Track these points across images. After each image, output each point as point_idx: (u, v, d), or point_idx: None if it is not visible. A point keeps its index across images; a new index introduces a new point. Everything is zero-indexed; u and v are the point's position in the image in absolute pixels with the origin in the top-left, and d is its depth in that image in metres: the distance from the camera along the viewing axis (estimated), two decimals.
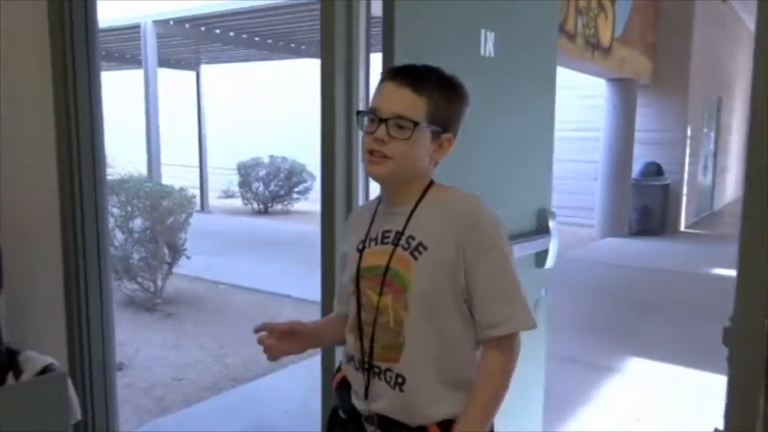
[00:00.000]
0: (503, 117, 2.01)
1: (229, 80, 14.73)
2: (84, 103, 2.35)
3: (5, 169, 2.17)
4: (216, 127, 13.79)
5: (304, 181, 12.61)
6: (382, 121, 1.25)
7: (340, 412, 1.43)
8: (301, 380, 3.82)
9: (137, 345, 4.68)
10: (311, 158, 13.54)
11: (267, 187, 12.54)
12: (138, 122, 8.63)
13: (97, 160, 2.44)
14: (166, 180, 7.69)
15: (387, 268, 1.28)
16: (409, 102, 1.26)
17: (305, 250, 8.52)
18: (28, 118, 2.29)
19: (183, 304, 5.87)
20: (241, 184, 12.70)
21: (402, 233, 1.30)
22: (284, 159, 12.59)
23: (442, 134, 1.30)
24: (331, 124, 1.54)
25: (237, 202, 13.44)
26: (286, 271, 7.14)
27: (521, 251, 1.97)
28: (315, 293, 6.26)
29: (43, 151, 2.32)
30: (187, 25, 8.40)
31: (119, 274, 5.49)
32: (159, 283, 5.70)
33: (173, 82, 12.70)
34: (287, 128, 13.66)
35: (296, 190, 12.67)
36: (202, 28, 8.57)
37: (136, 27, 7.69)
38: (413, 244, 1.28)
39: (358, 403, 1.36)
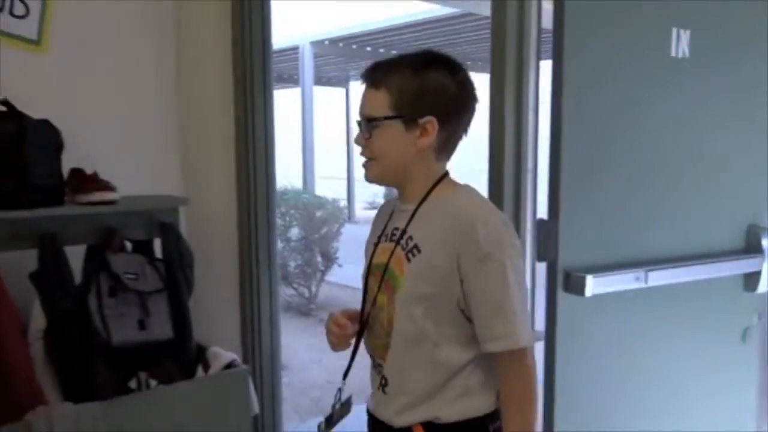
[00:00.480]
0: (700, 122, 1.82)
1: None
2: (259, 117, 2.53)
3: (192, 179, 2.40)
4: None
5: None
6: (359, 124, 1.27)
7: None
8: None
9: (295, 347, 4.94)
10: (457, 169, 13.60)
11: None
12: (290, 137, 9.17)
13: (270, 172, 2.62)
14: (317, 192, 8.09)
15: (386, 267, 1.25)
16: (370, 99, 1.24)
17: None
18: (213, 132, 2.52)
19: (335, 310, 6.12)
20: (386, 196, 13.02)
21: (404, 231, 1.25)
22: None
23: (419, 119, 1.21)
24: (500, 133, 1.55)
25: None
26: None
27: (723, 271, 1.80)
28: None
29: (222, 167, 2.53)
30: (341, 44, 8.82)
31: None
32: (313, 289, 6.00)
33: (323, 99, 13.37)
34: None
35: None
36: (354, 46, 8.95)
37: (295, 48, 8.22)
38: (410, 244, 1.23)
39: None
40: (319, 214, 6.00)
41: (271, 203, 2.64)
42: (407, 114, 1.21)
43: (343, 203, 6.69)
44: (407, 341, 1.23)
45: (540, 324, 1.62)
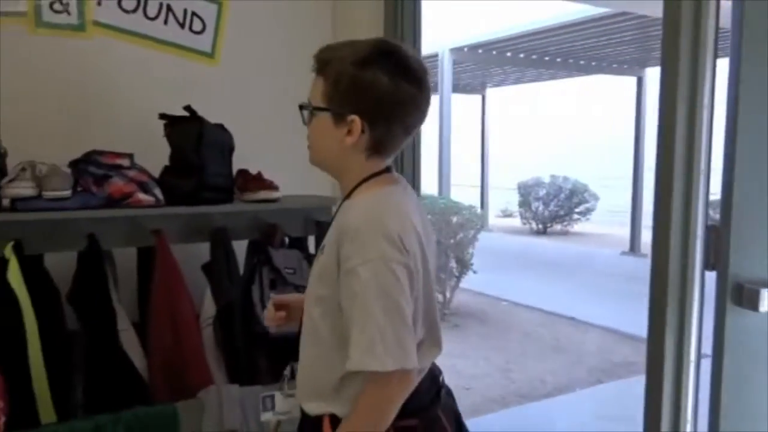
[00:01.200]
0: None
1: (512, 102, 14.99)
2: None
3: None
4: (497, 148, 14.12)
5: (586, 202, 12.19)
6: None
7: None
8: (590, 406, 3.69)
9: None
10: (594, 178, 13.13)
11: (546, 206, 12.41)
12: (426, 144, 9.26)
13: (416, 177, 2.67)
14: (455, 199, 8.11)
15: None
16: (313, 84, 1.20)
17: (587, 273, 8.27)
18: None
19: (468, 316, 6.11)
20: (521, 204, 12.77)
21: (328, 228, 1.22)
22: (566, 179, 12.34)
23: (347, 116, 1.15)
24: (670, 134, 1.47)
25: (515, 222, 13.55)
26: (569, 293, 6.97)
27: None
28: (601, 317, 6.01)
29: None
30: (480, 51, 8.78)
31: None
32: (447, 294, 6.02)
33: (459, 106, 13.40)
34: (569, 148, 13.37)
35: (577, 210, 12.30)
36: (494, 52, 8.87)
37: (434, 56, 8.30)
38: (323, 243, 1.20)
39: None
40: (455, 219, 6.01)
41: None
42: (336, 107, 1.16)
43: (479, 210, 6.62)
44: (306, 338, 1.24)
45: (707, 341, 1.51)
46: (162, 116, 1.95)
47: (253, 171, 2.16)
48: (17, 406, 1.69)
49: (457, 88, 12.01)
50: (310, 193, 2.29)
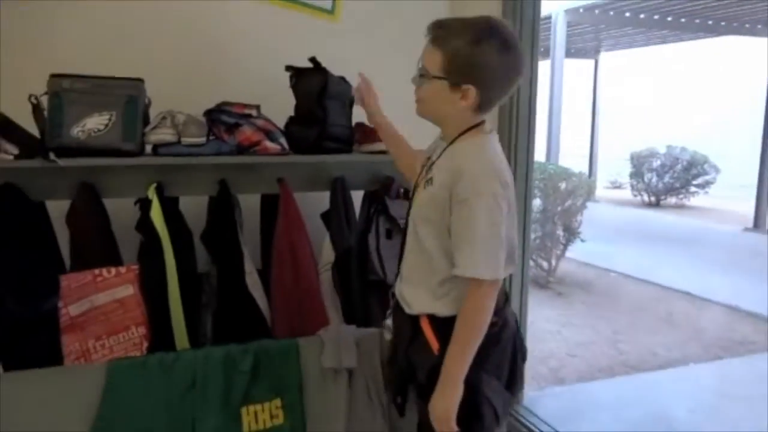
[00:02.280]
0: None
1: (628, 67, 14.21)
2: (524, 88, 2.54)
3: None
4: (609, 116, 13.49)
5: (705, 174, 11.42)
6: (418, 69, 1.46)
7: None
8: (709, 383, 3.54)
9: (532, 318, 4.93)
10: (716, 149, 12.28)
11: (661, 178, 11.75)
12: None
13: (530, 142, 2.63)
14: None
15: (415, 187, 1.54)
16: (428, 54, 1.42)
17: (705, 247, 7.81)
18: None
19: (573, 285, 5.96)
20: (633, 175, 12.17)
21: (432, 164, 1.48)
22: (683, 149, 11.60)
23: (462, 84, 1.38)
24: None
25: (624, 193, 12.95)
26: (684, 268, 6.62)
27: None
28: (720, 294, 5.68)
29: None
30: (597, 11, 8.36)
31: None
32: (552, 262, 5.90)
33: (570, 72, 12.87)
34: (691, 116, 12.54)
35: (695, 183, 11.56)
36: (611, 13, 8.42)
37: (546, 18, 8.00)
38: (429, 175, 1.47)
39: None
40: (563, 186, 5.83)
41: (530, 172, 2.64)
42: (453, 79, 1.39)
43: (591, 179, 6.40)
44: (412, 248, 1.52)
45: None
46: (288, 68, 2.03)
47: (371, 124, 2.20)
48: (157, 334, 1.87)
49: (568, 53, 11.55)
50: (420, 147, 2.31)
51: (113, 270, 1.83)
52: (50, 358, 1.76)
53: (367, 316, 2.05)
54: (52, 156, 1.72)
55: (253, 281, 2.00)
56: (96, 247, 1.88)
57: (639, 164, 11.96)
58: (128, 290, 1.84)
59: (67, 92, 1.76)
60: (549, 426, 2.62)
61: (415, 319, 1.50)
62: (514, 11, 2.49)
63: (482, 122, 1.47)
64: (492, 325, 1.42)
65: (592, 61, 12.57)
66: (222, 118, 1.94)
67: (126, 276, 1.84)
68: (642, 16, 8.46)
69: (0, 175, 1.74)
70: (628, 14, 8.41)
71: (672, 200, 11.82)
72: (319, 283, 2.05)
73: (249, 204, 2.16)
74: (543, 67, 9.63)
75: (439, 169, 1.45)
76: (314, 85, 1.96)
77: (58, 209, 1.87)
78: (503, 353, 1.50)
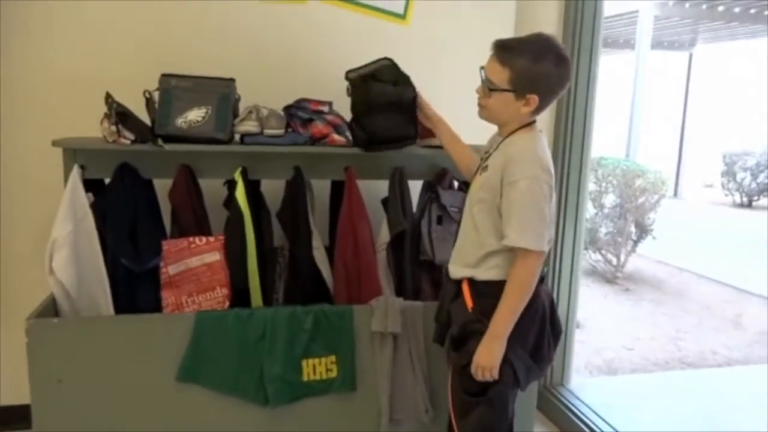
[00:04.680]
0: None
1: (727, 60, 13.56)
2: (582, 82, 2.69)
3: None
4: (702, 112, 12.96)
5: None
6: (482, 80, 1.72)
7: None
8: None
9: (594, 310, 5.04)
10: None
11: (755, 178, 11.25)
12: (613, 104, 8.86)
13: (587, 136, 2.77)
14: (640, 162, 7.76)
15: (473, 177, 1.82)
16: (495, 70, 1.68)
17: None
18: None
19: (642, 282, 5.97)
20: (724, 174, 11.71)
21: (489, 155, 1.76)
22: None
23: (527, 95, 1.65)
24: None
25: (715, 192, 12.47)
26: (763, 270, 6.43)
27: None
28: None
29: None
30: (687, 5, 8.14)
31: (586, 245, 5.93)
32: (622, 258, 5.92)
33: (662, 65, 12.45)
34: None
35: None
36: (704, 6, 8.17)
37: (634, 12, 7.88)
38: (484, 164, 1.75)
39: None
40: (638, 182, 5.82)
41: (584, 168, 2.77)
42: (520, 91, 1.66)
43: (667, 176, 6.31)
44: (465, 226, 1.80)
45: None
46: (346, 77, 2.21)
47: None
48: (237, 295, 2.21)
49: (661, 45, 11.21)
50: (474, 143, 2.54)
51: (204, 239, 2.18)
52: (152, 308, 2.14)
53: (416, 292, 2.31)
54: (160, 142, 2.08)
55: (320, 255, 2.30)
56: (191, 219, 2.24)
57: (731, 163, 11.50)
58: (215, 256, 2.19)
59: (174, 89, 2.12)
60: (591, 409, 2.78)
61: (458, 283, 1.79)
62: (576, 10, 2.65)
63: (534, 121, 1.75)
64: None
65: (686, 54, 12.14)
66: (298, 114, 2.25)
67: (214, 244, 2.18)
68: (737, 10, 8.16)
69: (119, 156, 2.12)
70: (721, 8, 8.14)
71: (765, 201, 11.30)
72: (376, 260, 2.33)
73: (320, 188, 2.47)
74: (628, 60, 9.37)
75: (494, 158, 1.72)
76: (359, 101, 2.17)
77: (162, 186, 2.25)
78: (530, 323, 1.71)
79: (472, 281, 1.75)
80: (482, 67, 1.73)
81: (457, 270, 1.81)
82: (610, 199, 5.92)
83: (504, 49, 1.67)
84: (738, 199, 11.56)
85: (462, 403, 1.77)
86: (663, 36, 10.47)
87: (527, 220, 1.62)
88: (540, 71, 1.64)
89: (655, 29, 8.48)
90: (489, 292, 1.70)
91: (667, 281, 6.11)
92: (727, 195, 11.81)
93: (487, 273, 1.72)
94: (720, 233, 8.70)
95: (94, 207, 2.09)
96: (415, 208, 2.40)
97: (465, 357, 1.71)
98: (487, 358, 1.65)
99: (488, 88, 1.70)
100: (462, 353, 1.73)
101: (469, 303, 1.74)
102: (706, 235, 8.37)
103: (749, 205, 11.33)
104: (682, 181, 12.17)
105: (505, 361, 1.67)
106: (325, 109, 2.29)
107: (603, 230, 5.93)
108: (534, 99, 1.66)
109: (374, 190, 2.41)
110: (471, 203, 1.78)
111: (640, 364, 3.96)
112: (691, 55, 11.99)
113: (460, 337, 1.74)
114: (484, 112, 1.76)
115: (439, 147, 2.31)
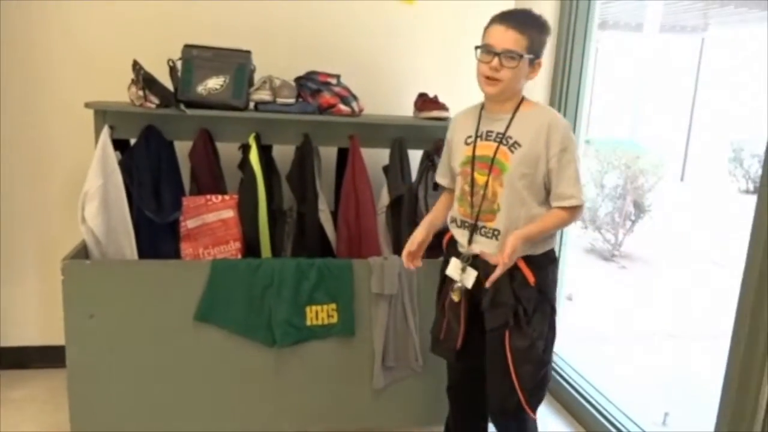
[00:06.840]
0: None
1: (740, 45, 13.52)
2: (576, 63, 2.85)
3: None
4: (712, 96, 12.97)
5: None
6: (496, 54, 1.73)
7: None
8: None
9: (586, 284, 5.24)
10: None
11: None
12: (625, 86, 8.90)
13: (578, 117, 2.93)
14: (643, 143, 7.88)
15: (493, 158, 1.81)
16: (515, 40, 1.73)
17: None
18: None
19: (638, 261, 6.15)
20: (731, 159, 11.77)
21: (504, 134, 1.81)
22: None
23: (536, 60, 1.77)
24: None
25: (720, 177, 12.53)
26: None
27: None
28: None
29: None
30: None
31: (585, 224, 6.11)
32: (620, 236, 6.10)
33: (672, 48, 12.44)
34: None
35: None
36: None
37: None
38: (511, 141, 1.80)
39: (461, 249, 1.91)
40: (639, 163, 5.98)
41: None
42: (535, 56, 1.78)
43: (668, 159, 6.45)
44: (512, 204, 1.81)
45: None
46: None
47: (431, 95, 2.64)
48: (249, 249, 2.43)
49: (673, 29, 11.20)
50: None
51: (220, 197, 2.39)
52: (173, 258, 2.37)
53: None
54: (182, 107, 2.29)
55: (325, 216, 2.51)
56: (208, 178, 2.45)
57: (739, 149, 11.55)
58: (229, 213, 2.40)
59: (195, 59, 2.33)
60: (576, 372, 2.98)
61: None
62: (570, 10, 2.82)
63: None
64: (553, 251, 1.90)
65: (699, 38, 12.13)
66: (308, 84, 2.45)
67: (229, 202, 2.40)
68: None
69: (145, 119, 2.34)
70: None
71: None
72: (376, 222, 2.54)
73: (327, 155, 2.67)
74: (635, 42, 9.31)
75: (522, 132, 1.79)
76: None
77: (183, 147, 2.46)
78: (555, 275, 1.91)
79: (527, 257, 1.81)
80: (485, 44, 1.76)
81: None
82: (610, 180, 6.08)
83: (518, 20, 1.76)
84: (744, 186, 11.62)
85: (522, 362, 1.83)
86: (675, 20, 10.48)
87: (579, 180, 1.80)
88: (544, 38, 1.81)
89: (666, 13, 8.51)
90: (545, 263, 1.85)
91: (662, 259, 6.29)
92: (732, 181, 11.87)
93: (542, 246, 1.84)
94: (726, 215, 8.82)
95: (122, 164, 2.31)
96: (414, 176, 2.60)
97: (531, 335, 1.82)
98: (514, 247, 1.72)
99: (510, 57, 1.72)
100: (528, 331, 1.81)
101: (531, 278, 1.81)
102: (710, 217, 8.50)
103: (754, 191, 11.39)
104: (688, 166, 12.24)
105: (549, 298, 1.85)
106: (333, 81, 2.49)
107: (603, 210, 6.10)
108: (540, 64, 1.80)
109: (377, 157, 2.61)
110: (512, 180, 1.79)
111: (627, 336, 4.17)
112: (703, 40, 11.98)
113: (533, 313, 1.82)
114: (499, 86, 1.76)
115: (438, 119, 2.51)
